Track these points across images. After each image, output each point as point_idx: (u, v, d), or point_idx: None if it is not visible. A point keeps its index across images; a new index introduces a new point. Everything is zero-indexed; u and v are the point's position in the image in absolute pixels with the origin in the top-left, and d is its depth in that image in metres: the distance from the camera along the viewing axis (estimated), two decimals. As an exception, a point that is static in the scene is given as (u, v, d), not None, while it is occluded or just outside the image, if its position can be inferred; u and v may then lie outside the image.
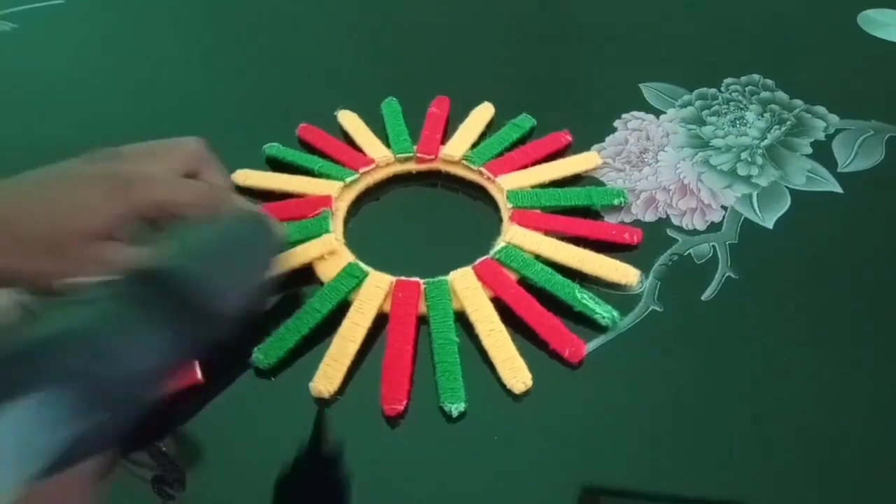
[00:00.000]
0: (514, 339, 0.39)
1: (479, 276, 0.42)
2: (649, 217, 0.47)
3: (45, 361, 0.21)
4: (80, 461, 0.21)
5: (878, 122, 0.54)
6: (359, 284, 0.42)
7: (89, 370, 0.21)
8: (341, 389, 0.38)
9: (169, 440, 0.36)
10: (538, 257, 0.43)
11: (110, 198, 0.31)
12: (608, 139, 0.53)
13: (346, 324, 0.40)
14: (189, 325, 0.25)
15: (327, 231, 0.45)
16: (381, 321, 0.41)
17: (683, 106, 0.56)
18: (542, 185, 0.48)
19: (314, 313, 0.40)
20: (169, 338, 0.24)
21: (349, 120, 0.54)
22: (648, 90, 0.58)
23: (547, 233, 0.44)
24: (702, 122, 0.55)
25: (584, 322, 0.40)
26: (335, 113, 0.55)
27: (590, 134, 0.53)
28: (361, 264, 0.43)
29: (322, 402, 0.37)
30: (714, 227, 0.46)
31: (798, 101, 0.56)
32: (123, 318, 0.23)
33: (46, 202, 0.31)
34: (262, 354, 0.38)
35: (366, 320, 0.40)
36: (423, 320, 0.41)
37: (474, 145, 0.51)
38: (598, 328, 0.40)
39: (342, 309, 0.41)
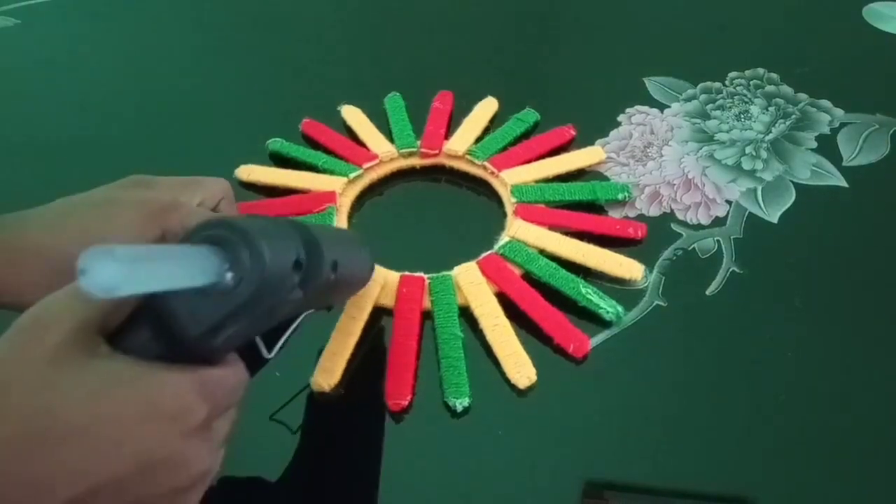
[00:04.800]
0: (518, 334, 0.39)
1: (484, 271, 0.42)
2: (653, 212, 0.47)
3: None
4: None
5: (883, 115, 0.54)
6: None
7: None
8: (342, 383, 0.38)
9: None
10: (542, 252, 0.43)
11: (145, 223, 0.32)
12: (612, 133, 0.53)
13: (343, 318, 0.40)
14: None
15: (331, 226, 0.45)
16: (378, 314, 0.41)
17: (688, 100, 0.56)
18: (546, 180, 0.48)
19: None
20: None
21: (352, 115, 0.54)
22: (652, 84, 0.58)
23: (551, 227, 0.44)
24: (706, 117, 0.54)
25: (588, 317, 0.40)
26: (339, 108, 0.55)
27: (594, 128, 0.53)
28: None
29: (324, 396, 0.37)
30: (718, 222, 0.46)
31: (803, 95, 0.56)
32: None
33: (83, 227, 0.32)
34: None
35: (362, 314, 0.40)
36: (427, 315, 0.41)
37: (478, 140, 0.51)
38: (602, 323, 0.40)
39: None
